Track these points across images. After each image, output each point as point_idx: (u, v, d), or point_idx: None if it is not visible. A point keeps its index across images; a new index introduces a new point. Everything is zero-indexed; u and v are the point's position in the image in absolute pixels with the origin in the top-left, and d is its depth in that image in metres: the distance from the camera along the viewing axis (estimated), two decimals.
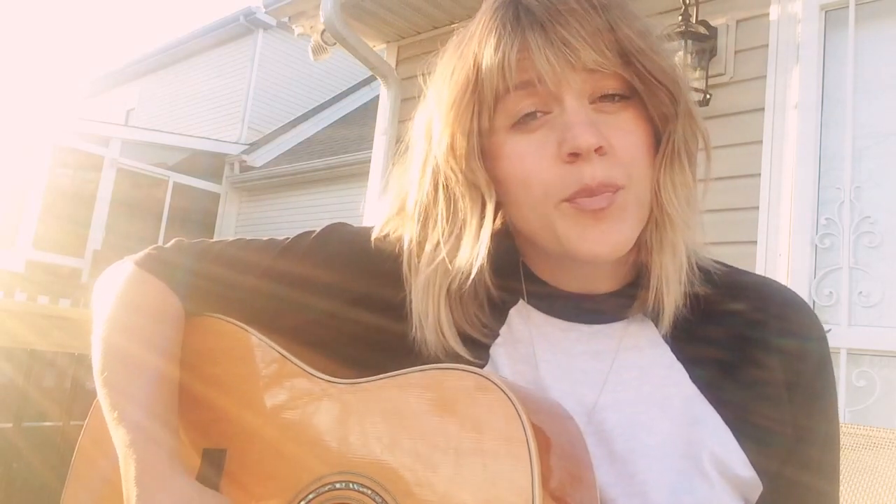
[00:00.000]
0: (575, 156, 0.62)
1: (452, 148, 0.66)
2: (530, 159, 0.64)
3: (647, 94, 0.64)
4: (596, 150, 0.61)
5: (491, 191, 0.66)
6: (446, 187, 0.67)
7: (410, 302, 0.71)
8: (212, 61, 12.84)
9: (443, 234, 0.67)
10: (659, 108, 0.65)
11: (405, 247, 0.72)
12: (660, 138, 0.66)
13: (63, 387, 2.63)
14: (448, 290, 0.68)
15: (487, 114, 0.65)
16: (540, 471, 0.55)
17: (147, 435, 0.67)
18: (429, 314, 0.69)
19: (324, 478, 0.66)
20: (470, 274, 0.66)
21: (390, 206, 0.76)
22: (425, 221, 0.70)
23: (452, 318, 0.69)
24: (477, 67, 0.65)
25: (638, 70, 0.63)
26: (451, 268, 0.67)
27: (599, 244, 0.63)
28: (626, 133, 0.64)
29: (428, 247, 0.69)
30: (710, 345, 0.69)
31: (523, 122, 0.64)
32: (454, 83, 0.66)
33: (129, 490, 0.65)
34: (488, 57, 0.63)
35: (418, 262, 0.70)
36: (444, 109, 0.67)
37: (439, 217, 0.68)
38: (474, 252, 0.65)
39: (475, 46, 0.66)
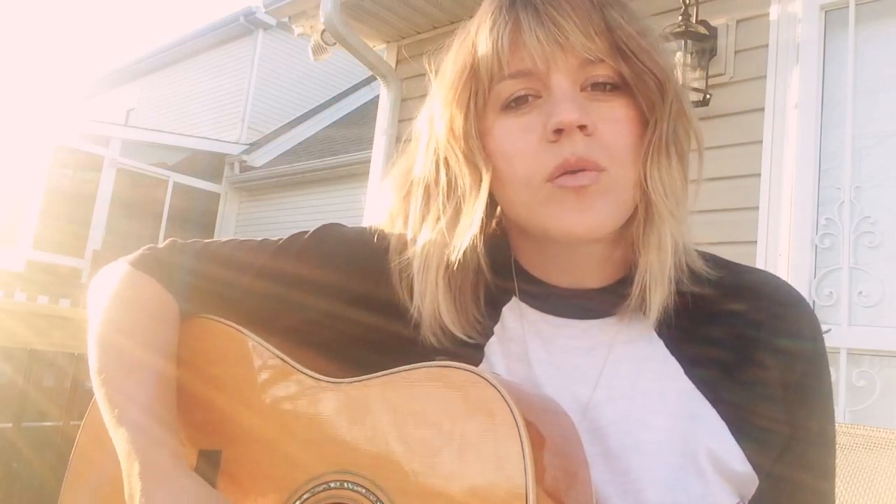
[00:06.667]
0: (559, 133, 0.62)
1: (451, 127, 0.69)
2: (516, 139, 0.65)
3: (635, 80, 0.64)
4: (580, 128, 0.62)
5: (488, 165, 0.67)
6: (447, 164, 0.70)
7: (407, 276, 0.72)
8: (212, 61, 12.83)
9: (443, 208, 0.69)
10: (647, 94, 0.65)
11: (409, 228, 0.73)
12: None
13: (63, 387, 2.63)
14: (446, 267, 0.69)
15: (483, 95, 0.67)
16: (534, 467, 0.55)
17: (148, 433, 0.67)
18: (426, 293, 0.69)
19: (319, 477, 0.66)
20: (464, 243, 0.67)
21: (394, 194, 0.77)
22: (427, 200, 0.72)
23: (450, 298, 0.70)
24: (474, 50, 0.68)
25: (627, 56, 0.64)
26: (448, 239, 0.68)
27: (577, 223, 0.64)
28: (613, 121, 0.64)
29: (428, 221, 0.71)
30: (711, 345, 0.69)
31: (514, 104, 0.66)
32: (454, 66, 0.70)
33: (133, 487, 0.64)
34: (483, 39, 0.67)
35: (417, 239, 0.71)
36: (443, 91, 0.70)
37: (440, 194, 0.70)
38: (470, 220, 0.67)
39: (473, 32, 0.70)
